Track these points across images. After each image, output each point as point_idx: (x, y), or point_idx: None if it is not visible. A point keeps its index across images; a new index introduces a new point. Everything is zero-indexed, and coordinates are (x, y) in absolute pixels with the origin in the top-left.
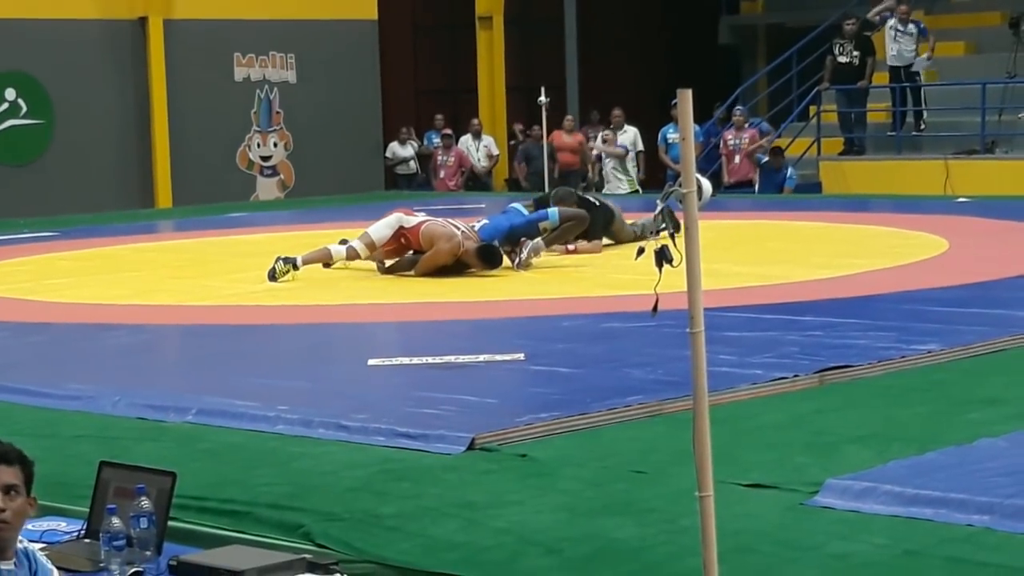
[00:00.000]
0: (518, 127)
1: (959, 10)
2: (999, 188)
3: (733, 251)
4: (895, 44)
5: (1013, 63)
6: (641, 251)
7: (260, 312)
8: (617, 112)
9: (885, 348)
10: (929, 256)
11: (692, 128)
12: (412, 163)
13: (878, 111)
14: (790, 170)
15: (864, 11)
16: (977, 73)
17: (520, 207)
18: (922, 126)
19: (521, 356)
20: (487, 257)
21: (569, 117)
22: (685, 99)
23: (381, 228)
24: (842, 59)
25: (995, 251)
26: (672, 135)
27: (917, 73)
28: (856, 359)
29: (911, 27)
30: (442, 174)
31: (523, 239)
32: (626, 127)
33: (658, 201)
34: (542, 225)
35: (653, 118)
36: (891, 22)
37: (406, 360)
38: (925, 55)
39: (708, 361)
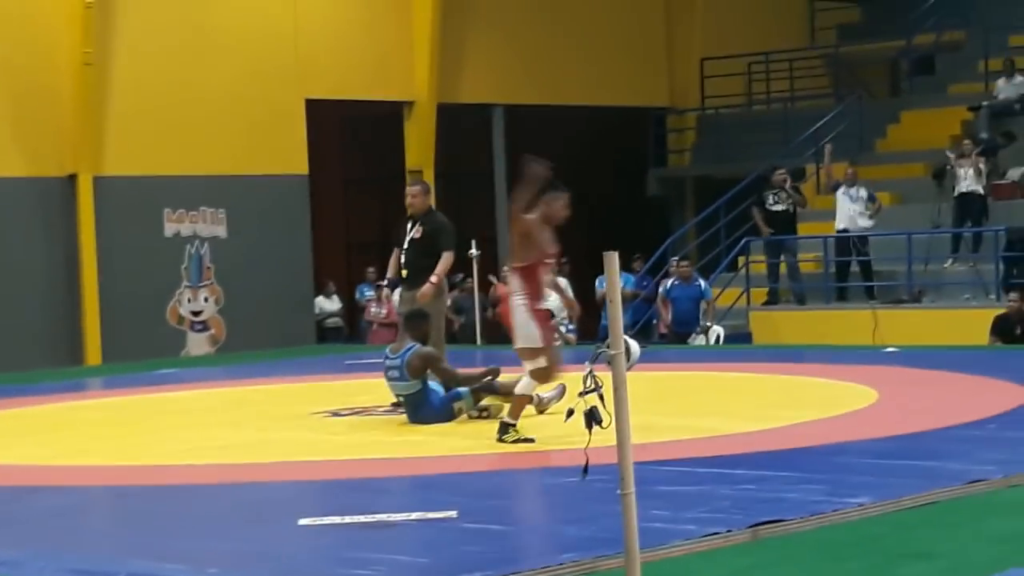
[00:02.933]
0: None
1: (885, 161)
2: (927, 338)
3: (663, 403)
4: (850, 207)
5: (938, 213)
6: (571, 412)
7: (189, 472)
8: None
9: (817, 501)
10: (859, 407)
11: (619, 290)
12: (337, 318)
13: (808, 261)
14: (703, 283)
15: (789, 163)
16: (903, 223)
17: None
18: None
19: (454, 514)
20: None
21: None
22: (611, 262)
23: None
24: (777, 207)
25: (924, 402)
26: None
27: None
28: (789, 513)
29: (863, 191)
30: (375, 327)
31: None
32: (556, 278)
33: (587, 363)
34: (456, 406)
35: (583, 269)
36: (843, 188)
37: (337, 519)
38: (870, 219)
39: (640, 517)
